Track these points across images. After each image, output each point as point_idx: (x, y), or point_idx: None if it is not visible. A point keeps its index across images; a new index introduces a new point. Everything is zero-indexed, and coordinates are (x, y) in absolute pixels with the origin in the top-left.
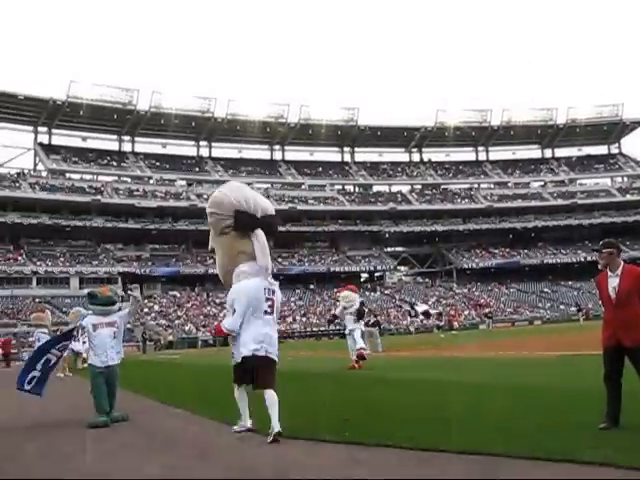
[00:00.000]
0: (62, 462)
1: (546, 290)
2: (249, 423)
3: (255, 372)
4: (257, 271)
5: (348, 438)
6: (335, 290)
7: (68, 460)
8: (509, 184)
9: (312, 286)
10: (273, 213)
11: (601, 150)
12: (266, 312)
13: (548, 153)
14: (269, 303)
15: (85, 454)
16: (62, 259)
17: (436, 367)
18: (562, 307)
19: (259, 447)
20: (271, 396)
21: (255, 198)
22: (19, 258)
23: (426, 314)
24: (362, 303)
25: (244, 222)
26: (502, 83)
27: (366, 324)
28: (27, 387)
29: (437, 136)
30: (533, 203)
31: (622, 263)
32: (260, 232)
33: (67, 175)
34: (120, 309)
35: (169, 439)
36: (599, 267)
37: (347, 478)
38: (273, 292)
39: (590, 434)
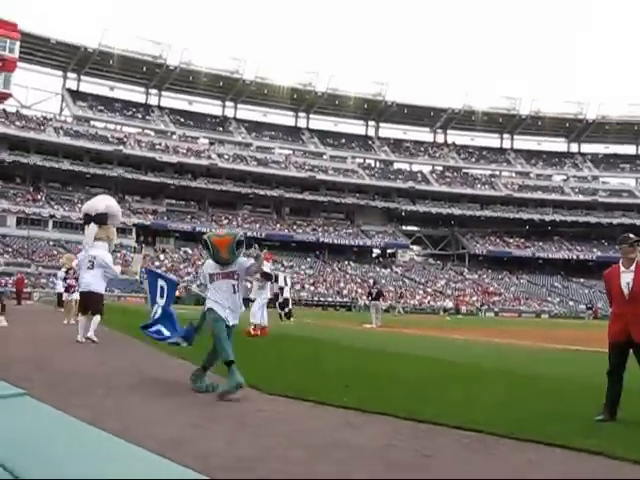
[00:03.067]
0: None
1: (557, 285)
2: None
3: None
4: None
5: (347, 403)
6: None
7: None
8: (531, 175)
9: (324, 256)
10: (100, 211)
11: (629, 150)
12: (88, 267)
13: (574, 147)
14: (89, 264)
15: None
16: (79, 205)
17: (439, 347)
18: (571, 303)
19: (254, 402)
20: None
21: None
22: (38, 200)
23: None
24: (375, 282)
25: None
26: (535, 72)
27: (370, 296)
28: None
29: (463, 119)
30: (553, 196)
31: (636, 260)
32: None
33: (92, 123)
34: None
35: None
36: (620, 261)
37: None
38: (94, 257)
39: (587, 424)
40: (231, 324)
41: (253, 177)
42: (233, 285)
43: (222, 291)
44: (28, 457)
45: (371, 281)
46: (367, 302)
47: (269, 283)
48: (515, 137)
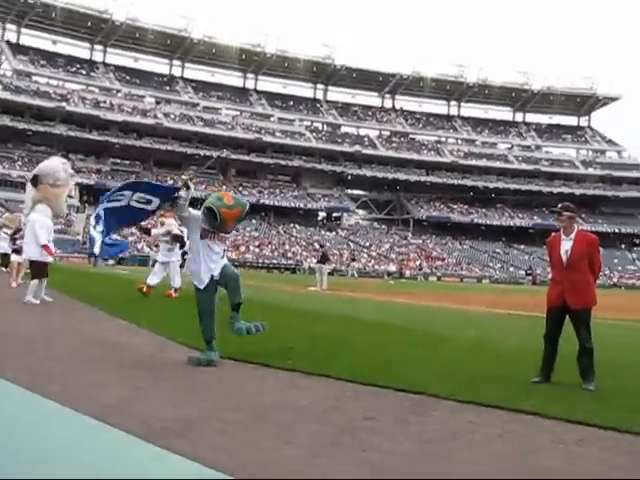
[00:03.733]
0: None
1: (498, 251)
2: None
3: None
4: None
5: (291, 366)
6: (161, 214)
7: None
8: (477, 142)
9: (269, 219)
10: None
11: (571, 121)
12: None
13: (519, 117)
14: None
15: None
16: (20, 163)
17: (383, 311)
18: (512, 269)
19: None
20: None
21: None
22: None
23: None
24: (322, 246)
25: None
26: (482, 41)
27: (317, 260)
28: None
29: (412, 85)
30: (497, 164)
31: (577, 228)
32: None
33: (33, 78)
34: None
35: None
36: (558, 227)
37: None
38: (26, 222)
39: (524, 386)
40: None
41: (199, 137)
42: (224, 250)
43: (214, 253)
44: None
45: (316, 244)
46: (312, 265)
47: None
48: (462, 104)
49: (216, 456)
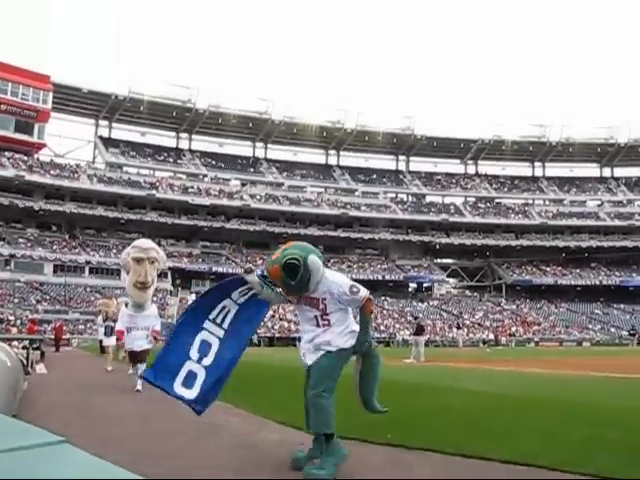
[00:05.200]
0: None
1: (597, 312)
2: None
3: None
4: None
5: (390, 440)
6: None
7: None
8: (565, 201)
9: None
10: None
11: None
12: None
13: (607, 172)
14: None
15: None
16: (114, 251)
17: (481, 380)
18: (613, 330)
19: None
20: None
21: None
22: (74, 247)
23: None
24: (416, 317)
25: None
26: (562, 99)
27: (413, 332)
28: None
29: (494, 149)
30: (589, 222)
31: None
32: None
33: (124, 169)
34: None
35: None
36: None
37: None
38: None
39: (637, 453)
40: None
41: (286, 216)
42: (316, 317)
43: (303, 321)
44: None
45: (409, 316)
46: (406, 337)
47: None
48: (547, 164)
49: None
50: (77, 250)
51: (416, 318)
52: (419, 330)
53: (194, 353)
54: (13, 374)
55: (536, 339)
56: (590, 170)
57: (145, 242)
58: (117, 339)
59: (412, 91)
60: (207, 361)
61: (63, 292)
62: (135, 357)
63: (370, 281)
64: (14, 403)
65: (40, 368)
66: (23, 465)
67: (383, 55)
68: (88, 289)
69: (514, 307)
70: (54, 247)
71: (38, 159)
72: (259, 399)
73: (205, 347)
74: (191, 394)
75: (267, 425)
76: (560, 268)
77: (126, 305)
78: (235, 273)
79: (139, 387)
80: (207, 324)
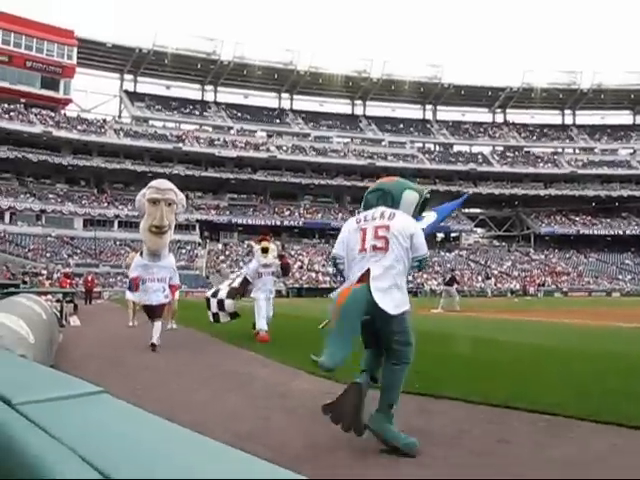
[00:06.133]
0: None
1: (628, 262)
2: None
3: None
4: None
5: (419, 389)
6: (253, 242)
7: None
8: (595, 150)
9: None
10: None
11: None
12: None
13: None
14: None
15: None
16: None
17: (510, 330)
18: None
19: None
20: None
21: None
22: (102, 202)
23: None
24: (452, 270)
25: None
26: (594, 44)
27: (444, 282)
28: None
29: (522, 97)
30: (620, 171)
31: None
32: None
33: (150, 122)
34: None
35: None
36: None
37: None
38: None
39: None
40: None
41: (312, 167)
42: None
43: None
44: (115, 456)
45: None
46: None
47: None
48: (577, 112)
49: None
50: (106, 204)
51: (453, 270)
52: (451, 281)
53: None
54: (49, 327)
55: (564, 289)
56: (623, 118)
57: (162, 182)
58: (130, 288)
59: (439, 39)
60: None
61: (93, 246)
62: (153, 312)
63: None
64: (51, 354)
65: (74, 320)
66: (66, 415)
67: (409, 2)
68: (117, 243)
69: (542, 257)
70: (83, 202)
71: (65, 115)
72: (290, 350)
73: None
74: None
75: (298, 375)
76: (590, 218)
77: (141, 254)
78: (263, 225)
79: (154, 340)
80: None
